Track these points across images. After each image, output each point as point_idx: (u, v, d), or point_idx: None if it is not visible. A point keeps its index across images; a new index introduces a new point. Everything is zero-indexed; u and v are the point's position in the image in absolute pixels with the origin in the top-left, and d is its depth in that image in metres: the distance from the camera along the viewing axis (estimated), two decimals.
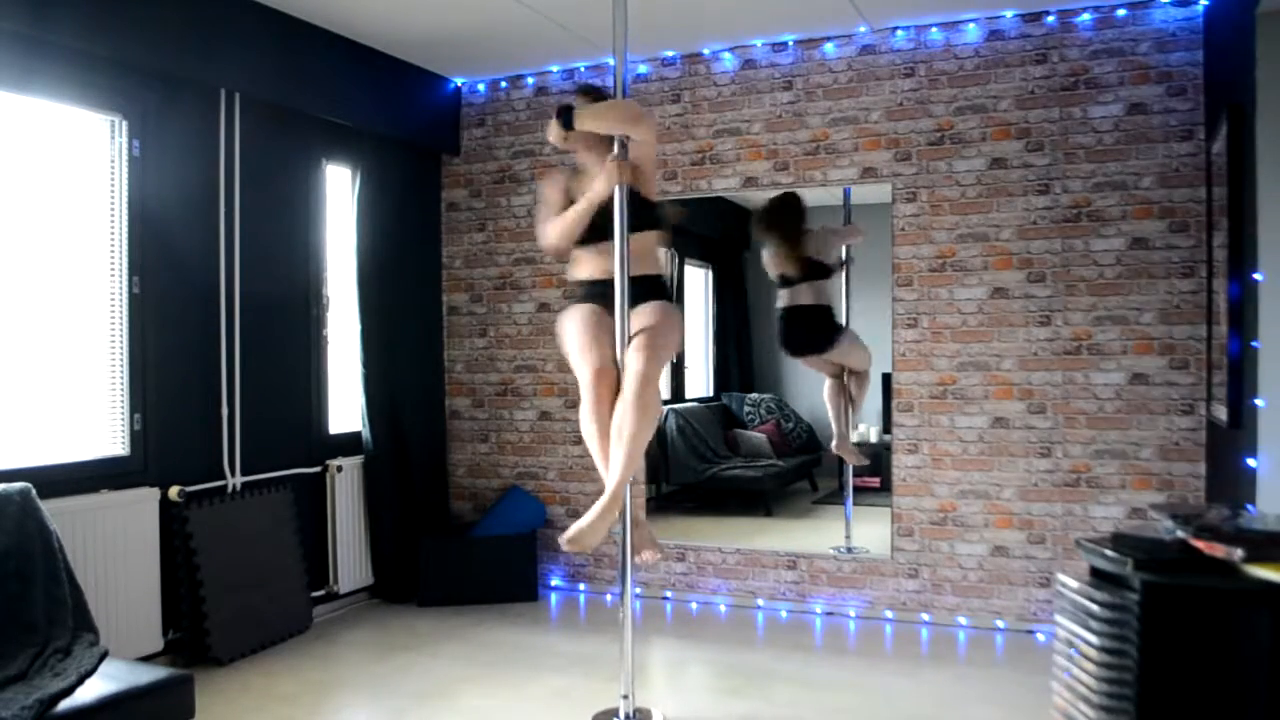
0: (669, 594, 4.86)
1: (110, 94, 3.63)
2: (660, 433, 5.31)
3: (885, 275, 4.47)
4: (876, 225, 4.52)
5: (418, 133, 5.04)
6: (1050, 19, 4.19)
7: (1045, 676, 2.55)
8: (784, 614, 4.57)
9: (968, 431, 4.32)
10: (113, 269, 3.70)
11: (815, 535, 4.88)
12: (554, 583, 5.08)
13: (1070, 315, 4.17)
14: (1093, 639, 2.08)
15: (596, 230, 3.26)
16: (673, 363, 5.60)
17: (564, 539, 2.97)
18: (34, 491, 2.89)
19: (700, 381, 5.84)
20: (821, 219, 4.84)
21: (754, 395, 5.91)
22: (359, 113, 4.62)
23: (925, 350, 4.38)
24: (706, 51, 4.76)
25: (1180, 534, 2.11)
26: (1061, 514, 4.17)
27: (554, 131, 3.21)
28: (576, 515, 4.99)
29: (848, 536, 4.74)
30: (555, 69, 5.04)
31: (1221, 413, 3.38)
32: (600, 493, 3.03)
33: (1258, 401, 2.88)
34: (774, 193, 4.73)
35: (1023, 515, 4.23)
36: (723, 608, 4.71)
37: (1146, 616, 1.98)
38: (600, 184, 3.18)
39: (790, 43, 4.61)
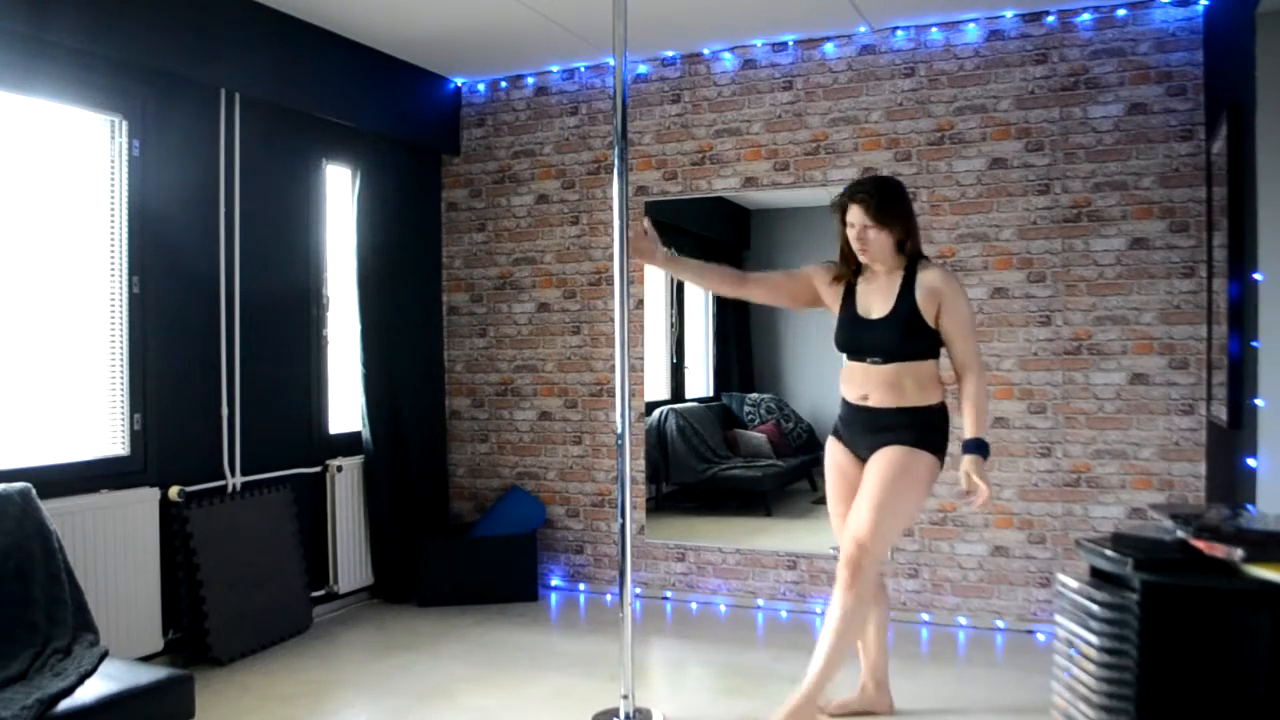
0: (669, 594, 4.86)
1: (110, 94, 3.63)
2: (660, 433, 5.31)
3: None
4: None
5: (418, 133, 5.04)
6: (1050, 19, 4.19)
7: (1045, 676, 2.54)
8: (784, 614, 4.57)
9: None
10: (113, 269, 3.70)
11: (815, 535, 4.87)
12: (554, 583, 5.08)
13: (1070, 315, 4.17)
14: (1093, 639, 2.08)
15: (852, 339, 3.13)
16: (674, 363, 5.60)
17: None
18: (34, 491, 2.89)
19: (700, 381, 5.84)
20: (821, 220, 4.84)
21: (754, 395, 5.92)
22: (359, 113, 4.62)
23: None
24: (706, 51, 4.76)
25: (1180, 534, 2.11)
26: (1061, 514, 4.17)
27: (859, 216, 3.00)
28: (576, 515, 5.03)
29: None
30: (555, 69, 5.04)
31: (1221, 413, 3.38)
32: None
33: (1258, 401, 2.88)
34: (774, 193, 4.73)
35: (1023, 515, 4.23)
36: (723, 608, 4.70)
37: (1146, 616, 1.98)
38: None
39: (790, 43, 4.61)
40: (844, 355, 3.16)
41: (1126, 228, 4.10)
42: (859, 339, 3.08)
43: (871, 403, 3.03)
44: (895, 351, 3.00)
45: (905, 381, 2.99)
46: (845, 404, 3.13)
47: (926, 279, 3.00)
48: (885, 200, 3.00)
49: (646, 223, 3.25)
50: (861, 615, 2.98)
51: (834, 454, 3.20)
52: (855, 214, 3.02)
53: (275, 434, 4.33)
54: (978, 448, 2.94)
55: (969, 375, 3.01)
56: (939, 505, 4.35)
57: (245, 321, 4.17)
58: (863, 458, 3.08)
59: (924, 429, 3.01)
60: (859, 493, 3.02)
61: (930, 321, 2.99)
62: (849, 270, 3.15)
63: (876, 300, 3.07)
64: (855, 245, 3.04)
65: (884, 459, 2.99)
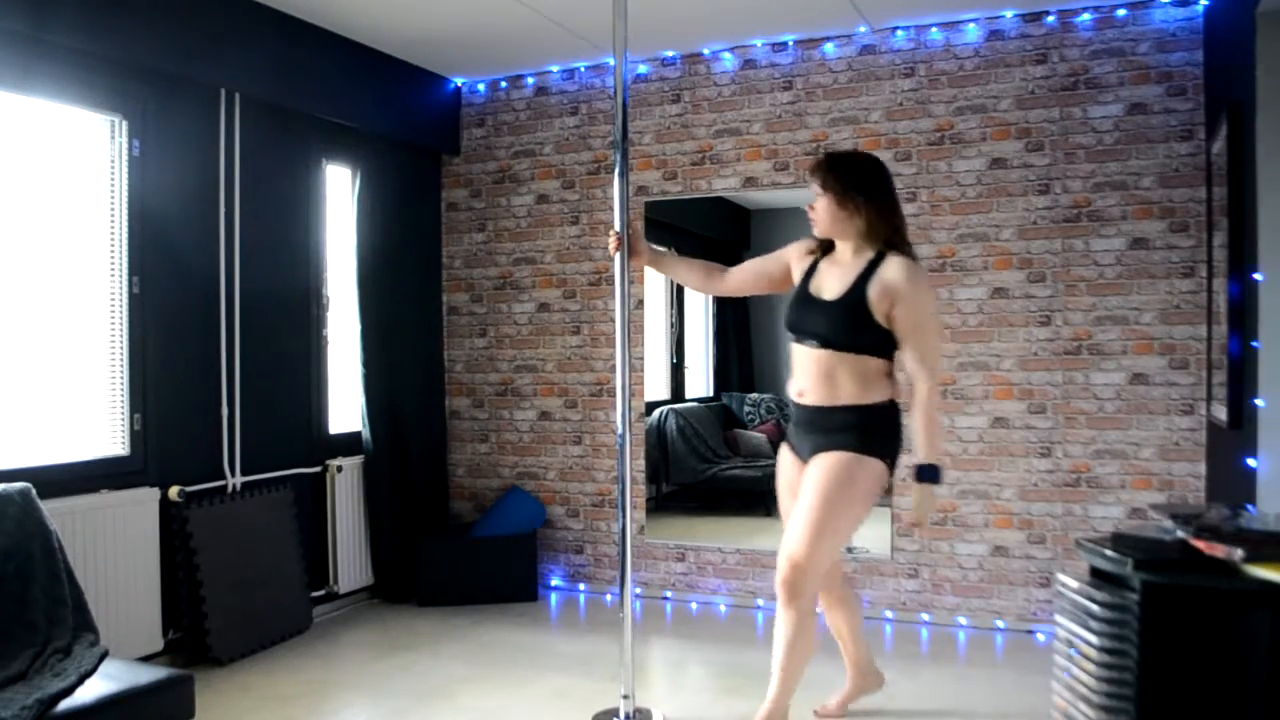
0: (669, 594, 4.86)
1: (110, 94, 3.63)
2: (660, 433, 5.31)
3: None
4: None
5: (418, 133, 5.04)
6: (1050, 19, 4.19)
7: (1045, 676, 2.55)
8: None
9: (968, 431, 4.32)
10: (113, 269, 3.70)
11: None
12: (554, 583, 5.08)
13: (1070, 315, 4.17)
14: (1093, 639, 2.08)
15: (793, 319, 2.93)
16: (674, 363, 5.60)
17: None
18: (34, 491, 2.89)
19: (700, 381, 5.84)
20: None
21: (754, 395, 5.91)
22: (359, 113, 4.62)
23: None
24: (706, 51, 4.76)
25: (1180, 534, 2.11)
26: (1061, 514, 4.17)
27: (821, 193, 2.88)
28: (576, 515, 5.03)
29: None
30: (555, 69, 5.04)
31: (1221, 413, 3.38)
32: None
33: (1258, 401, 2.88)
34: (774, 192, 4.73)
35: (1023, 515, 4.23)
36: (723, 608, 4.70)
37: (1146, 616, 1.98)
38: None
39: (790, 43, 4.61)
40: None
41: (1126, 228, 4.10)
42: (802, 318, 2.90)
43: (807, 400, 2.86)
44: (834, 339, 2.80)
45: (840, 374, 2.79)
46: (791, 404, 2.98)
47: (887, 272, 2.78)
48: (836, 171, 2.86)
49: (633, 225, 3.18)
50: (808, 628, 2.84)
51: (780, 461, 3.05)
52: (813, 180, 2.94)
53: (275, 434, 4.33)
54: (929, 475, 2.76)
55: (918, 382, 2.80)
56: (939, 505, 4.35)
57: (245, 321, 4.16)
58: (805, 461, 2.90)
59: (869, 432, 2.80)
60: (796, 504, 2.84)
61: (881, 319, 2.78)
62: (819, 246, 3.00)
63: (832, 281, 2.88)
64: (808, 210, 2.94)
65: (824, 467, 2.79)
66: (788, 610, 2.82)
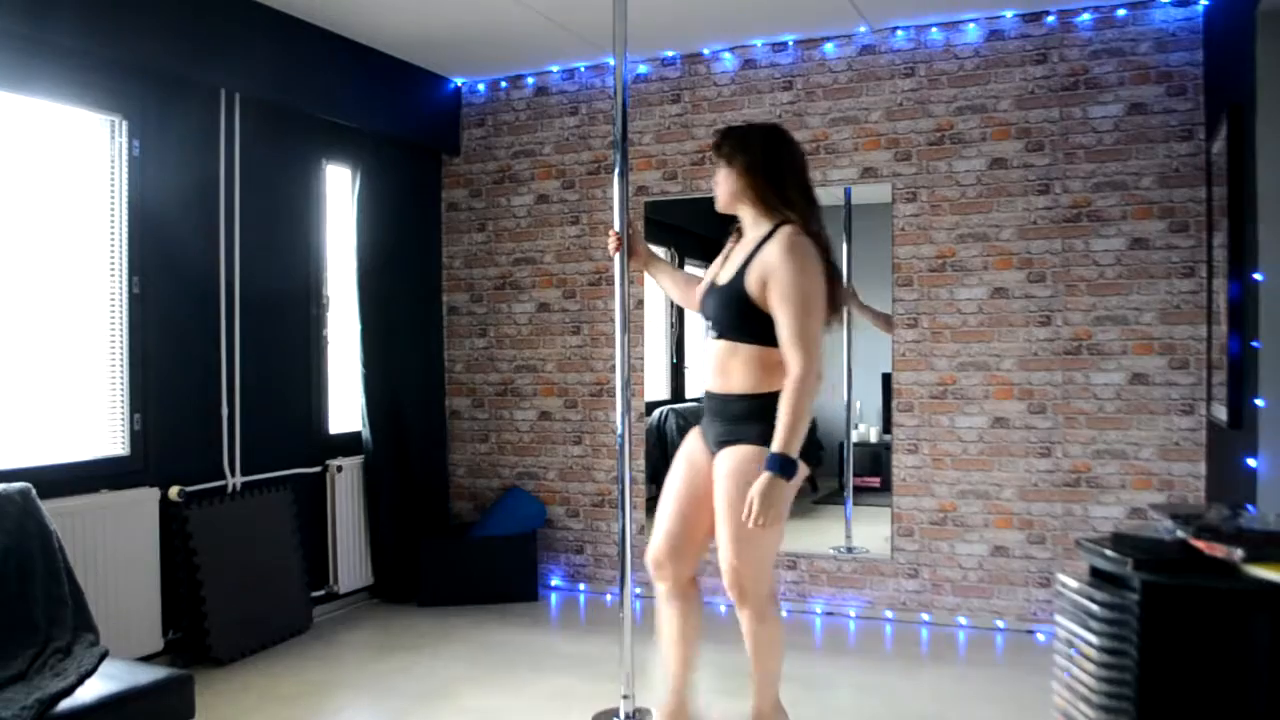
0: None
1: (110, 94, 3.63)
2: (660, 433, 5.31)
3: (885, 275, 4.46)
4: (877, 225, 4.52)
5: (418, 133, 5.04)
6: (1050, 19, 4.19)
7: (1045, 676, 2.54)
8: (784, 614, 4.57)
9: (968, 431, 4.32)
10: (113, 269, 3.70)
11: (815, 535, 4.87)
12: (554, 583, 5.08)
13: (1070, 315, 4.17)
14: (1093, 639, 2.08)
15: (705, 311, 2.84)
16: (674, 363, 5.60)
17: None
18: (34, 491, 2.89)
19: (700, 382, 5.84)
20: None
21: None
22: (359, 113, 4.62)
23: (925, 350, 4.38)
24: (706, 51, 4.76)
25: (1180, 534, 2.11)
26: (1061, 514, 4.17)
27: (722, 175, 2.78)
28: (576, 515, 5.03)
29: (848, 536, 4.74)
30: (555, 69, 5.04)
31: (1221, 413, 3.38)
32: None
33: (1258, 401, 2.88)
34: None
35: (1023, 515, 4.23)
36: (723, 608, 4.70)
37: (1146, 616, 1.98)
38: None
39: (790, 43, 4.61)
40: None
41: (1126, 228, 4.10)
42: (704, 305, 2.83)
43: (710, 386, 2.77)
44: (723, 325, 2.71)
45: (733, 363, 2.68)
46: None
47: (768, 250, 2.61)
48: (726, 141, 2.76)
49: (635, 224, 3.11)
50: (770, 626, 2.82)
51: (686, 440, 2.93)
52: None
53: (275, 434, 4.33)
54: (776, 465, 2.53)
55: (789, 366, 2.56)
56: (939, 505, 4.35)
57: (245, 321, 4.16)
58: (711, 450, 2.78)
59: (770, 423, 2.58)
60: (715, 509, 2.72)
61: (760, 301, 2.61)
62: (738, 229, 2.86)
63: (729, 264, 2.77)
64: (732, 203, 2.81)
65: (730, 467, 2.67)
66: (742, 611, 2.81)
